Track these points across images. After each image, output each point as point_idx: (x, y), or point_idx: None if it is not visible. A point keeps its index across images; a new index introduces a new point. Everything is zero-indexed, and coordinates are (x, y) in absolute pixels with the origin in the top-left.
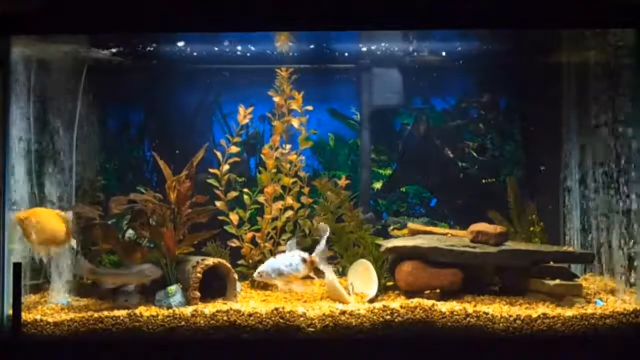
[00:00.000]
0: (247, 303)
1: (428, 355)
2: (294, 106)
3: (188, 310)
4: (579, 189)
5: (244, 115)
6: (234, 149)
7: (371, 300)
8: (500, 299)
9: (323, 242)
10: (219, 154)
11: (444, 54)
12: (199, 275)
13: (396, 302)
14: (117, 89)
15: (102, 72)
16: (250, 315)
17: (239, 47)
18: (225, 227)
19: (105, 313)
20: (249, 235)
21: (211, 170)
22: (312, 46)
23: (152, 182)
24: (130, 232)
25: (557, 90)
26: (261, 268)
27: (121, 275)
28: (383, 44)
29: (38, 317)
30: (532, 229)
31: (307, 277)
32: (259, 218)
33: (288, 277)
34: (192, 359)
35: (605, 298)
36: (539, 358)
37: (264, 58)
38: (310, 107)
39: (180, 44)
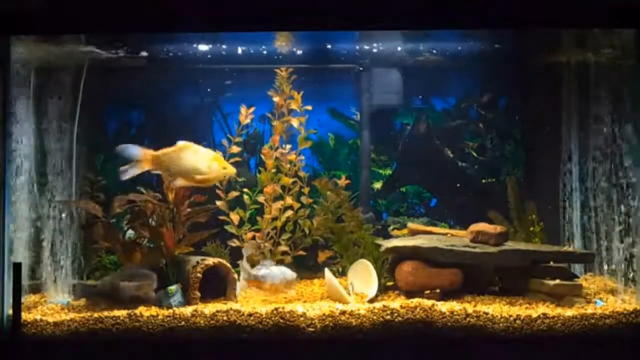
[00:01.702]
0: (247, 303)
1: (428, 355)
2: (294, 106)
3: (188, 310)
4: (579, 189)
5: (245, 115)
6: (235, 149)
7: (371, 300)
8: (500, 299)
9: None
10: (220, 153)
11: (443, 53)
12: (199, 275)
13: (396, 302)
14: (117, 88)
15: (102, 72)
16: (250, 315)
17: (239, 47)
18: (226, 227)
19: (105, 313)
20: (249, 235)
21: None
22: (311, 46)
23: (152, 182)
24: (130, 232)
25: (557, 89)
26: None
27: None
28: (383, 44)
29: (38, 317)
30: (532, 229)
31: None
32: (258, 218)
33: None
34: (192, 359)
35: (605, 298)
36: (539, 358)
37: (264, 58)
38: (309, 107)
39: (181, 43)
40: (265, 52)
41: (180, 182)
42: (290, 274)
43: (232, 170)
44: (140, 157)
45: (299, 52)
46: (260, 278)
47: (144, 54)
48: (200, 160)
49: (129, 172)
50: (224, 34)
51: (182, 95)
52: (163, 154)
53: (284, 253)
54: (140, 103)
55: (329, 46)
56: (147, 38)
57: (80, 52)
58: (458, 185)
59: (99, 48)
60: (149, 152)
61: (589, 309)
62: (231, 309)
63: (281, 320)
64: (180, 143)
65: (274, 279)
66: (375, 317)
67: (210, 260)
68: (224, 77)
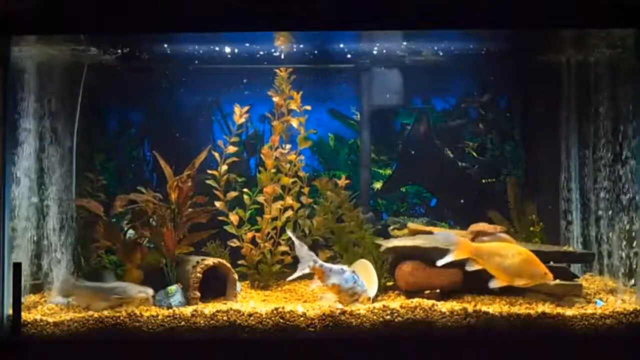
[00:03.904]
0: (247, 303)
1: (428, 355)
2: (293, 106)
3: (188, 310)
4: (579, 189)
5: (239, 115)
6: (232, 149)
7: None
8: (500, 298)
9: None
10: (217, 154)
11: (443, 53)
12: (199, 275)
13: (396, 302)
14: (117, 89)
15: (102, 72)
16: (250, 315)
17: (239, 47)
18: (225, 227)
19: (105, 313)
20: (249, 235)
21: (209, 172)
22: (311, 46)
23: (153, 182)
24: (131, 232)
25: (557, 89)
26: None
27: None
28: (383, 44)
29: (38, 317)
30: (532, 229)
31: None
32: (258, 218)
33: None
34: (192, 359)
35: (605, 298)
36: (539, 358)
37: (264, 58)
38: (308, 107)
39: (180, 43)
40: (268, 53)
41: (497, 283)
42: (363, 287)
43: (550, 277)
44: (457, 246)
45: (308, 52)
46: (327, 271)
47: (144, 54)
48: (524, 262)
49: (445, 260)
50: (226, 33)
51: (183, 96)
52: (484, 248)
53: (284, 253)
54: (141, 103)
55: (328, 45)
56: (147, 38)
57: (81, 52)
58: (458, 185)
59: (99, 48)
60: (467, 243)
61: (589, 309)
62: (231, 309)
63: (281, 320)
64: (503, 236)
65: (342, 280)
66: (375, 317)
67: (210, 260)
68: (229, 77)
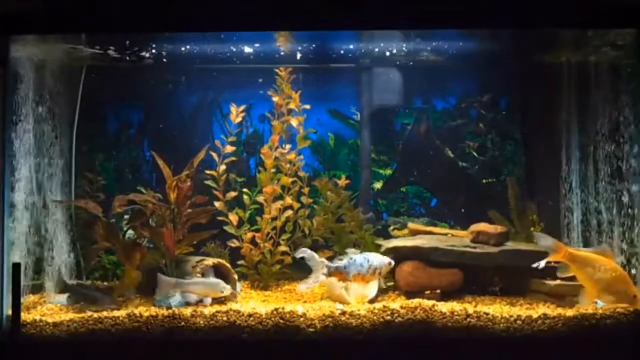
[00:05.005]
0: (247, 303)
1: (428, 355)
2: (292, 105)
3: (188, 311)
4: (579, 188)
5: (236, 114)
6: (230, 149)
7: (371, 301)
8: (500, 299)
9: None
10: (215, 154)
11: (444, 53)
12: (198, 275)
13: (396, 303)
14: (117, 88)
15: (102, 72)
16: (250, 315)
17: (240, 47)
18: (225, 228)
19: (105, 313)
20: (249, 235)
21: (207, 172)
22: (312, 46)
23: (152, 182)
24: (130, 232)
25: (557, 89)
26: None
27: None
28: (383, 44)
29: (37, 317)
30: (532, 229)
31: None
32: (258, 218)
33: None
34: (192, 359)
35: None
36: (540, 358)
37: (264, 58)
38: (307, 106)
39: (181, 43)
40: (264, 52)
41: (564, 273)
42: (379, 260)
43: (638, 301)
44: (555, 249)
45: (299, 51)
46: (343, 269)
47: (145, 54)
48: (615, 280)
49: (543, 261)
50: (224, 34)
51: (183, 96)
52: (579, 255)
53: (283, 253)
54: (142, 103)
55: (328, 45)
56: (147, 38)
57: (80, 52)
58: (458, 185)
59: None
60: (563, 246)
61: (590, 309)
62: (231, 309)
63: (281, 321)
64: (604, 248)
65: (359, 267)
66: (375, 318)
67: (210, 261)
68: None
